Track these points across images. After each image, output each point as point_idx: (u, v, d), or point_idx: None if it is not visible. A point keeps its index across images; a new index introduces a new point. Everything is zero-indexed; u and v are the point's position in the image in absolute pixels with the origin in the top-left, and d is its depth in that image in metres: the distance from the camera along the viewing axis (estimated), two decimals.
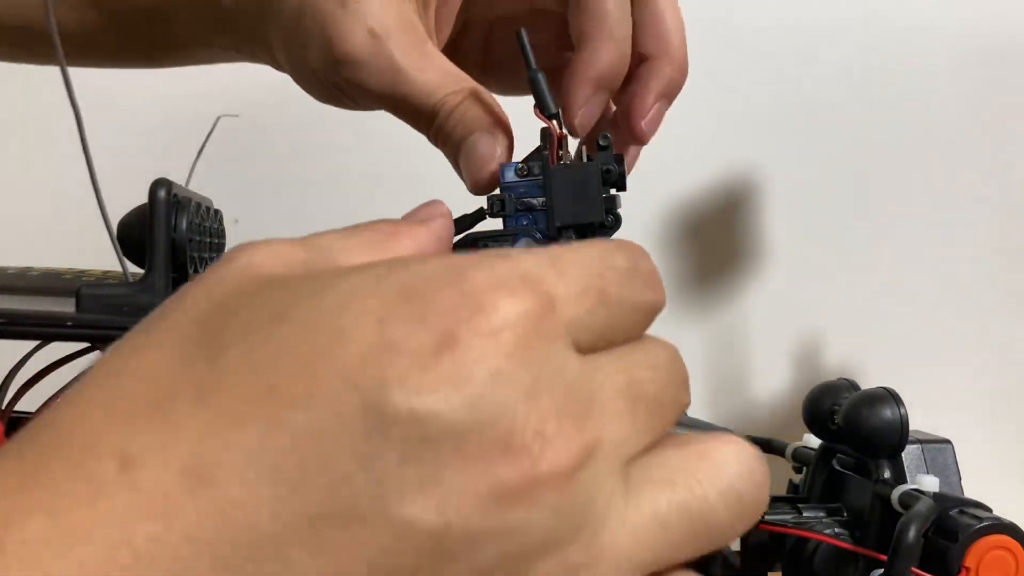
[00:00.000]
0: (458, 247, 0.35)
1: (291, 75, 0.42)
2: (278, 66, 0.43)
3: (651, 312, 0.22)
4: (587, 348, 0.20)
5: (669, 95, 0.38)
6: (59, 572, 0.17)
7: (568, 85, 0.36)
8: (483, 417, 0.18)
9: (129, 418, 0.18)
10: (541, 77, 0.35)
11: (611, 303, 0.21)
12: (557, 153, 0.35)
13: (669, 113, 0.39)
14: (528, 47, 0.35)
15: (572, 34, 0.37)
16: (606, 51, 0.36)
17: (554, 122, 0.35)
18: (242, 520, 0.17)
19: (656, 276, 0.22)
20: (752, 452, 0.21)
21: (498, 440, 0.18)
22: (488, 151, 0.35)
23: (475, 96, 0.37)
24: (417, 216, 0.27)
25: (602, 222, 0.34)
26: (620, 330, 0.21)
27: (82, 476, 0.17)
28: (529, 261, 0.20)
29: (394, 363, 0.18)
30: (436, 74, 0.37)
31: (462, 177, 0.37)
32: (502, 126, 0.36)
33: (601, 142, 0.35)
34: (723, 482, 0.21)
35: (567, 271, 0.20)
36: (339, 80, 0.38)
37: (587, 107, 0.36)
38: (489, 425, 0.18)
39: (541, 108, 0.35)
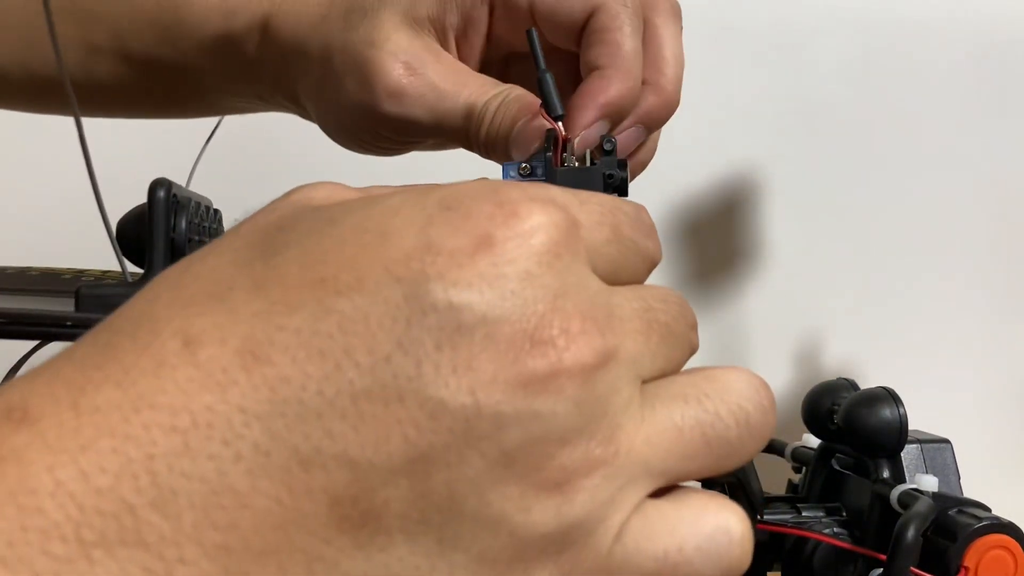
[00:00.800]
0: None
1: (318, 120, 0.43)
2: (304, 113, 0.45)
3: (651, 261, 0.24)
4: (601, 276, 0.22)
5: (649, 124, 0.39)
6: (125, 433, 0.18)
7: (574, 104, 0.37)
8: (514, 311, 0.19)
9: (191, 306, 0.20)
10: (549, 78, 0.35)
11: (622, 239, 0.23)
12: (561, 155, 0.35)
13: None
14: (538, 47, 0.35)
15: (584, 67, 0.38)
16: (618, 82, 0.37)
17: (559, 124, 0.35)
18: (290, 395, 0.19)
19: (655, 231, 0.24)
20: (758, 380, 0.23)
21: (527, 332, 0.19)
22: (539, 128, 0.36)
23: (516, 92, 0.38)
24: None
25: None
26: (628, 269, 0.23)
27: (148, 353, 0.19)
28: (556, 190, 0.22)
29: (434, 261, 0.19)
30: (476, 85, 0.39)
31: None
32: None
33: (605, 146, 0.35)
34: (732, 401, 0.22)
35: (587, 204, 0.22)
36: (379, 116, 0.39)
37: (589, 131, 0.37)
38: (520, 319, 0.19)
39: (547, 109, 0.35)
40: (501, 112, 0.37)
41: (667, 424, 0.21)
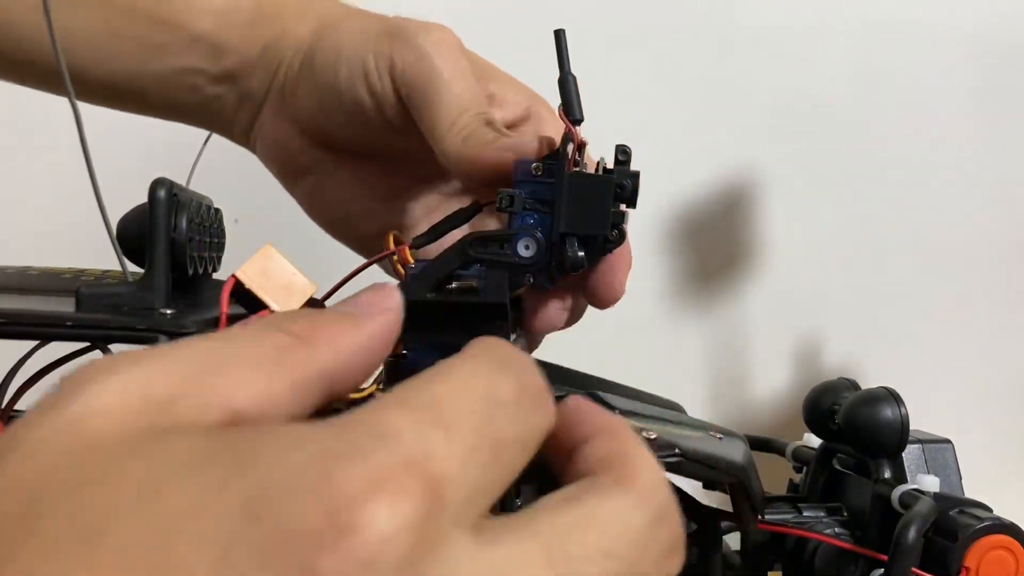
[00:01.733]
0: (454, 249, 0.35)
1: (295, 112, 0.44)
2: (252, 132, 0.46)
3: (541, 436, 0.18)
4: (484, 514, 0.17)
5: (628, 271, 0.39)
6: None
7: (610, 274, 0.37)
8: None
9: None
10: (572, 80, 0.35)
11: (504, 449, 0.17)
12: (574, 159, 0.34)
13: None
14: (565, 47, 0.35)
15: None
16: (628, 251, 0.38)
17: (577, 128, 0.35)
18: None
19: (544, 391, 0.19)
20: (647, 519, 0.18)
21: None
22: (503, 155, 0.36)
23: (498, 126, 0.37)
24: (355, 306, 0.21)
25: (606, 236, 0.34)
26: (511, 475, 0.18)
27: None
28: (408, 433, 0.16)
29: None
30: (472, 90, 0.39)
31: (451, 157, 0.37)
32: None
33: (620, 156, 0.34)
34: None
35: (452, 425, 0.16)
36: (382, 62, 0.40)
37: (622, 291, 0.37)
38: None
39: (567, 111, 0.35)
40: (483, 129, 0.37)
41: None
